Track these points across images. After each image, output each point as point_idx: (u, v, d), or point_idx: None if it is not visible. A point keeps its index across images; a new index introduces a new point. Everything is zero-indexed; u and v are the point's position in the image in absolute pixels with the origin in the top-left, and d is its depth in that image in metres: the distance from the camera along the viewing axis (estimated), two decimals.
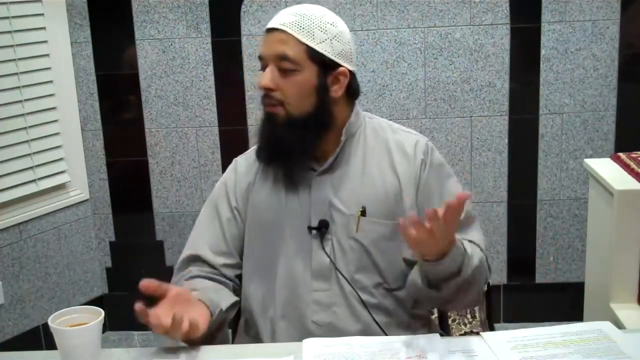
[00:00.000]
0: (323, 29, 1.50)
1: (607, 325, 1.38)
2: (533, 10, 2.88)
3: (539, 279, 3.12)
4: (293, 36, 1.48)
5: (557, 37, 2.89)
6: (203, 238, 1.61)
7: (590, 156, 2.95)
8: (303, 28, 1.48)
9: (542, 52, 2.91)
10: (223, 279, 1.58)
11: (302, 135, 1.50)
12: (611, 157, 2.36)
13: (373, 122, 1.63)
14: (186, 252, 1.62)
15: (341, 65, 1.52)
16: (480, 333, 1.40)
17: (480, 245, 1.56)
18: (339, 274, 1.53)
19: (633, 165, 2.20)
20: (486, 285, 1.71)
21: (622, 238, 2.09)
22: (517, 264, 3.11)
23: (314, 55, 1.49)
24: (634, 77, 2.92)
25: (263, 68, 1.52)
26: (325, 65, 1.50)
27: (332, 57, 1.50)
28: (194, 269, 1.58)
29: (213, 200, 1.65)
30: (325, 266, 1.53)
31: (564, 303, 3.02)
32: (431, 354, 1.31)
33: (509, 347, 1.32)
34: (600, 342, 1.32)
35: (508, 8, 2.88)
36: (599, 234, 2.30)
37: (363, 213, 1.53)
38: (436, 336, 1.38)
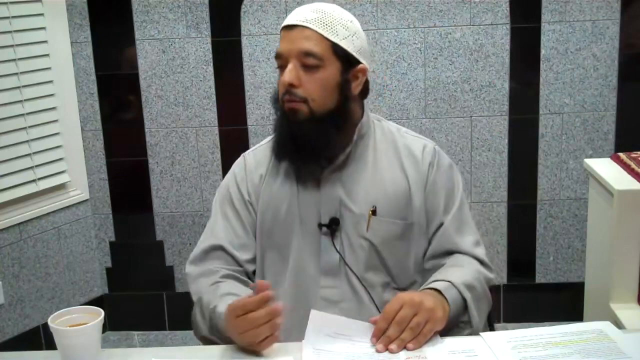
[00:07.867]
0: (344, 25, 1.50)
1: (607, 325, 1.38)
2: (533, 10, 2.87)
3: (539, 279, 3.11)
4: (317, 32, 1.47)
5: (557, 37, 2.89)
6: (221, 232, 1.60)
7: (590, 156, 2.95)
8: (326, 24, 1.48)
9: (542, 52, 2.91)
10: (246, 279, 1.57)
11: (325, 131, 1.50)
12: (611, 157, 2.36)
13: (382, 125, 1.64)
14: (207, 242, 1.60)
15: (361, 62, 1.52)
16: (480, 333, 1.40)
17: (473, 252, 1.60)
18: (349, 270, 1.53)
19: (633, 165, 2.20)
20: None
21: (622, 238, 2.09)
22: (517, 264, 3.11)
23: (339, 51, 1.49)
24: (634, 77, 2.91)
25: (282, 66, 1.50)
26: (347, 61, 1.51)
27: (354, 54, 1.51)
28: (219, 267, 1.56)
29: (225, 194, 1.64)
30: (335, 263, 1.54)
31: (564, 303, 3.02)
32: (431, 354, 1.31)
33: (509, 347, 1.32)
34: (600, 342, 1.32)
35: (508, 8, 2.88)
36: (599, 234, 2.30)
37: (374, 212, 1.53)
38: (436, 336, 1.38)
